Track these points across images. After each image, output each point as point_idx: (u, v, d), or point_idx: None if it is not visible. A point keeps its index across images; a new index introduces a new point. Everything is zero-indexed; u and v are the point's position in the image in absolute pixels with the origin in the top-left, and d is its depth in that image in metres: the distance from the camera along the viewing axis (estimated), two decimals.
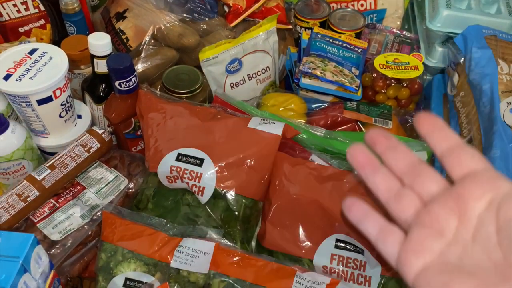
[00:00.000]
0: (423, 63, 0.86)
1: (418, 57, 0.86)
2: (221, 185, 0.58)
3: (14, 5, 0.82)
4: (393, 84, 0.84)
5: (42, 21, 0.86)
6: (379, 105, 0.83)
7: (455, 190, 0.29)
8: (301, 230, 0.57)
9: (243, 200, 0.59)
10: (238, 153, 0.59)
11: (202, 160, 0.59)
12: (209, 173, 0.58)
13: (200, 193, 0.58)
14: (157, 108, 0.65)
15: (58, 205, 0.66)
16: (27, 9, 0.83)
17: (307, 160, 0.60)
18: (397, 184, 0.31)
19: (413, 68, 0.84)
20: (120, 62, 0.65)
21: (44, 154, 0.74)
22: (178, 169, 0.59)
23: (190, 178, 0.58)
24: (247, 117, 0.63)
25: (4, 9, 0.82)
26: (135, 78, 0.67)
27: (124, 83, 0.66)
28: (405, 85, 0.84)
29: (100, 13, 0.88)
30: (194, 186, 0.58)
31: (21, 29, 0.85)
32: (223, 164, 0.59)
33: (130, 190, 0.68)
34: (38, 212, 0.65)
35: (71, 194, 0.67)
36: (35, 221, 0.64)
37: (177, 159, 0.59)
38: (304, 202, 0.57)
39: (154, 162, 0.61)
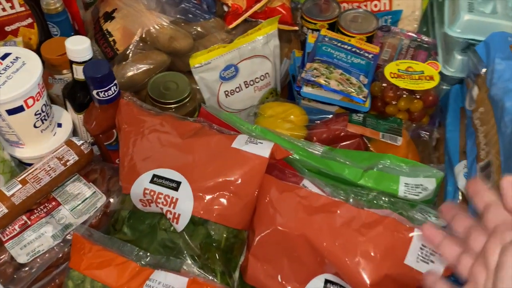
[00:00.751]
0: (440, 72, 0.78)
1: (434, 65, 0.78)
2: (200, 212, 0.52)
3: None
4: (405, 95, 0.76)
5: (30, 20, 0.81)
6: (389, 118, 0.75)
7: None
8: (286, 267, 0.51)
9: (225, 229, 0.53)
10: (219, 176, 0.53)
11: (178, 184, 0.53)
12: (185, 199, 0.52)
13: (175, 220, 0.52)
14: (136, 121, 0.59)
15: (29, 223, 0.61)
16: (12, 7, 0.78)
17: (298, 186, 0.54)
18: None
19: (427, 78, 0.76)
20: (98, 70, 0.59)
21: (23, 165, 0.69)
22: (152, 193, 0.53)
23: (165, 203, 0.52)
24: (233, 135, 0.57)
25: None
26: (115, 87, 0.62)
27: (103, 92, 0.61)
28: (418, 96, 0.76)
29: (91, 11, 0.83)
30: (168, 213, 0.53)
31: (7, 28, 0.81)
32: (202, 189, 0.53)
33: (108, 210, 0.63)
34: (7, 230, 0.60)
35: (45, 210, 0.63)
36: (4, 240, 0.60)
37: (152, 181, 0.54)
38: (291, 235, 0.51)
39: (127, 183, 0.56)
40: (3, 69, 0.59)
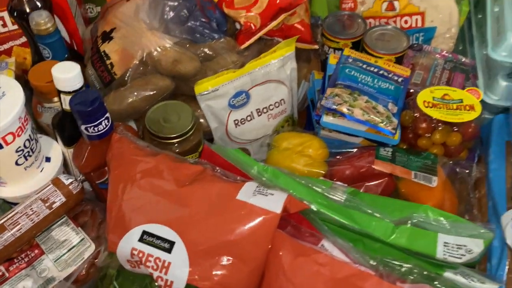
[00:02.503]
0: (481, 100, 0.68)
1: (475, 93, 0.69)
2: (196, 280, 0.44)
3: None
4: (440, 127, 0.67)
5: (24, 39, 0.75)
6: (422, 154, 0.67)
7: None
8: None
9: None
10: (221, 235, 0.45)
11: (172, 244, 0.45)
12: (179, 263, 0.44)
13: None
14: (128, 162, 0.51)
15: (7, 275, 0.54)
16: (4, 25, 0.72)
17: (316, 249, 0.45)
18: None
19: (467, 108, 0.67)
20: (86, 102, 0.52)
21: (7, 204, 0.62)
22: (141, 254, 0.45)
23: (155, 267, 0.44)
24: (239, 183, 0.48)
25: None
26: (106, 121, 0.54)
27: (92, 127, 0.53)
28: (456, 128, 0.67)
29: (91, 29, 0.76)
30: (159, 279, 0.44)
31: (0, 48, 0.75)
32: (199, 251, 0.44)
33: (96, 260, 0.55)
34: None
35: (26, 260, 0.56)
36: None
37: (141, 239, 0.46)
38: None
39: (114, 238, 0.48)
40: None
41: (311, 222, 0.49)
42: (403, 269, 0.44)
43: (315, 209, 0.49)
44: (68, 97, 0.56)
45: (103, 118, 0.53)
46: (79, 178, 0.61)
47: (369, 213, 0.52)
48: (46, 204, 0.56)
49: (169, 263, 0.44)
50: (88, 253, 0.56)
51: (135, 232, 0.46)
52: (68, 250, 0.56)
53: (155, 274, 0.44)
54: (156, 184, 0.49)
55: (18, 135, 0.54)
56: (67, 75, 0.54)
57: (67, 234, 0.58)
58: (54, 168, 0.62)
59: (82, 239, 0.57)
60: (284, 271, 0.44)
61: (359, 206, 0.53)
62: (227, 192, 0.47)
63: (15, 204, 0.60)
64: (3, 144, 0.53)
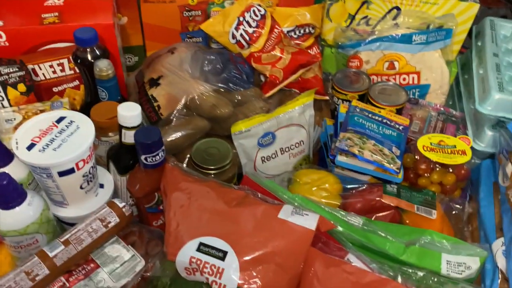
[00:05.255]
0: (471, 147, 0.79)
1: (466, 140, 0.80)
2: (245, 284, 0.52)
3: (51, 66, 0.82)
4: (437, 169, 0.78)
5: (77, 82, 0.86)
6: (422, 191, 0.76)
7: None
8: None
9: None
10: (265, 247, 0.53)
11: (225, 253, 0.53)
12: (232, 269, 0.52)
13: None
14: (182, 187, 0.60)
15: (68, 285, 0.61)
16: (62, 70, 0.83)
17: (344, 261, 0.54)
18: None
19: (460, 152, 0.77)
20: (148, 137, 0.61)
21: (62, 224, 0.70)
22: (199, 262, 0.53)
23: (211, 273, 0.52)
24: (278, 205, 0.58)
25: (41, 69, 0.82)
26: (162, 152, 0.64)
27: (151, 157, 0.63)
28: (450, 170, 0.77)
29: (135, 76, 0.87)
30: (214, 283, 0.52)
31: (55, 89, 0.85)
32: (248, 259, 0.53)
33: (147, 274, 0.62)
34: None
35: (83, 272, 0.62)
36: None
37: (198, 249, 0.54)
38: None
39: (173, 249, 0.56)
40: (58, 132, 0.62)
41: (337, 239, 0.58)
42: (418, 276, 0.53)
43: (340, 229, 0.59)
44: (129, 132, 0.66)
45: (160, 150, 0.63)
46: (129, 203, 0.70)
47: (383, 236, 0.61)
48: (103, 223, 0.64)
49: (223, 269, 0.52)
50: (139, 267, 0.63)
51: (193, 244, 0.55)
52: (121, 265, 0.63)
53: (211, 279, 0.53)
54: (208, 204, 0.58)
55: (87, 162, 0.63)
56: (131, 113, 0.64)
57: (119, 251, 0.65)
58: (107, 193, 0.70)
59: (133, 255, 0.65)
60: (318, 278, 0.52)
61: (375, 230, 0.62)
62: (270, 212, 0.56)
63: (70, 224, 0.67)
64: (76, 169, 0.61)
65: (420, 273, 0.54)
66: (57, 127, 0.62)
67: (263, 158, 0.79)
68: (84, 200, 0.67)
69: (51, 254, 0.60)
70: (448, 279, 0.55)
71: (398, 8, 0.91)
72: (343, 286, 0.51)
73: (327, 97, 0.92)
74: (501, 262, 0.65)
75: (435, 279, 0.53)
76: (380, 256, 0.60)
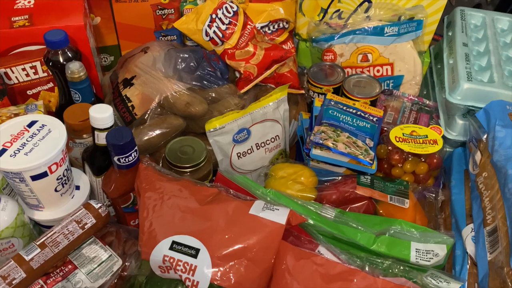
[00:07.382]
0: (443, 136, 0.81)
1: (437, 130, 0.82)
2: (218, 279, 0.53)
3: (23, 69, 0.82)
4: (410, 158, 0.79)
5: (51, 84, 0.86)
6: (395, 181, 0.78)
7: None
8: None
9: None
10: (237, 243, 0.55)
11: (197, 251, 0.54)
12: (204, 266, 0.53)
13: (193, 287, 0.53)
14: (155, 187, 0.61)
15: (45, 287, 0.62)
16: (36, 73, 0.83)
17: (314, 254, 0.55)
18: None
19: (431, 142, 0.79)
20: (120, 138, 0.62)
21: (40, 227, 0.70)
22: (172, 260, 0.54)
23: (184, 270, 0.54)
24: (250, 201, 0.59)
25: (13, 72, 0.81)
26: (135, 153, 0.64)
27: (124, 158, 0.63)
28: (423, 159, 0.79)
29: (109, 76, 0.87)
30: (187, 280, 0.54)
31: (29, 92, 0.85)
32: (220, 256, 0.54)
33: (124, 273, 0.63)
34: None
35: (61, 274, 0.63)
36: None
37: (171, 248, 0.55)
38: None
39: (147, 248, 0.57)
40: (30, 137, 0.62)
41: (308, 232, 0.60)
42: (385, 265, 0.54)
43: (311, 222, 0.60)
44: (101, 133, 0.66)
45: (133, 151, 0.64)
46: (105, 203, 0.70)
47: (354, 227, 0.63)
48: (80, 225, 0.65)
49: (195, 266, 0.53)
50: (116, 266, 0.64)
51: (166, 242, 0.56)
52: (98, 265, 0.64)
53: (184, 276, 0.54)
54: (181, 203, 0.59)
55: (60, 165, 0.63)
56: (103, 115, 0.64)
57: (96, 252, 0.66)
58: (83, 195, 0.71)
59: (110, 255, 0.65)
60: (289, 271, 0.54)
61: (346, 221, 0.63)
62: (241, 208, 0.57)
63: (47, 227, 0.68)
64: (49, 172, 0.62)
65: (387, 262, 0.55)
66: (28, 131, 0.63)
67: (239, 154, 0.80)
68: (60, 202, 0.68)
69: (27, 258, 0.60)
70: (412, 267, 0.57)
71: (369, 1, 0.92)
72: (313, 277, 0.52)
73: (302, 91, 0.93)
74: (470, 248, 0.66)
75: (401, 267, 0.55)
76: (351, 246, 0.61)
